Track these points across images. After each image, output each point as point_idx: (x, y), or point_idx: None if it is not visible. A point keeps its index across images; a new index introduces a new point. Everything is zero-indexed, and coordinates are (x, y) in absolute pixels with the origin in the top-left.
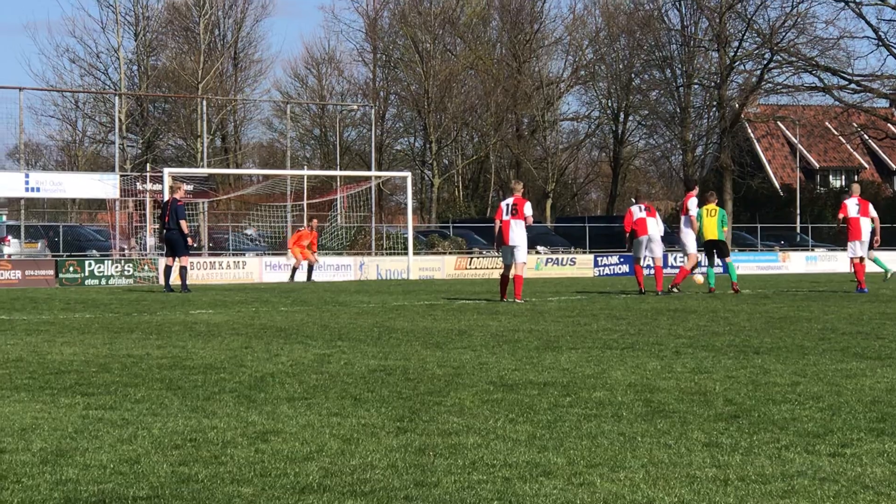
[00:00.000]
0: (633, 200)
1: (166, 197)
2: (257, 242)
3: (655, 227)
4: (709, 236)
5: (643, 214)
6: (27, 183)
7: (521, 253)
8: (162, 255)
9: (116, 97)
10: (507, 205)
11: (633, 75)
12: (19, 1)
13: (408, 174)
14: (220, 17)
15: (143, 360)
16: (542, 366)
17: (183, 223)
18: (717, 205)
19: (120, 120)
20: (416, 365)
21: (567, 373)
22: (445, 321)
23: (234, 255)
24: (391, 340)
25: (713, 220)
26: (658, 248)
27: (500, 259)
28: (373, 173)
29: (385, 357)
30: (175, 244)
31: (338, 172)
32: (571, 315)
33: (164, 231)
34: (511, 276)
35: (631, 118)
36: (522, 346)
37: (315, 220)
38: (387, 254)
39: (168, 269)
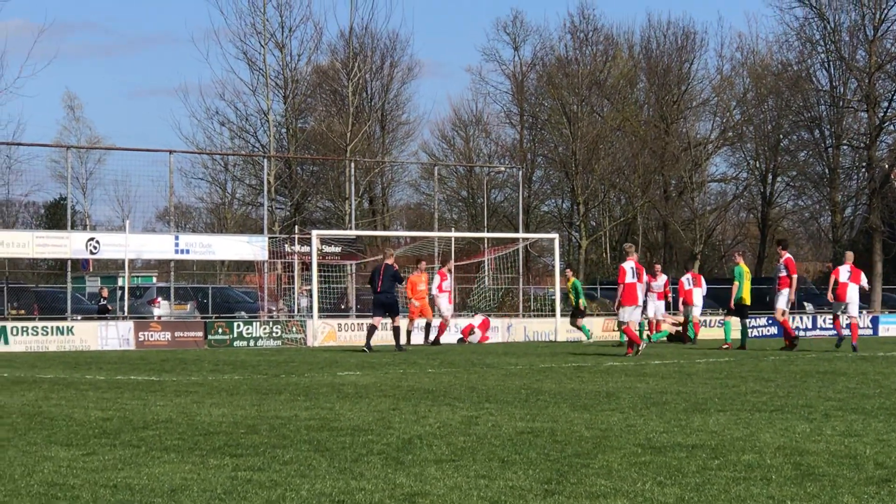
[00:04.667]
0: (780, 248)
1: (314, 259)
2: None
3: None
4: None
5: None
6: (177, 245)
7: (639, 313)
8: (309, 316)
9: (265, 159)
10: (632, 268)
11: (781, 136)
12: (172, 65)
13: (555, 236)
14: (368, 79)
15: (291, 421)
16: (691, 428)
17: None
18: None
19: (269, 182)
20: (564, 427)
21: (715, 435)
22: (593, 383)
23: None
24: (539, 402)
25: (748, 284)
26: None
27: (623, 317)
28: (520, 235)
29: (533, 419)
30: (391, 306)
31: (485, 234)
32: (720, 377)
33: (377, 294)
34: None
35: (779, 179)
36: (670, 408)
37: (423, 262)
38: (534, 315)
39: (372, 329)
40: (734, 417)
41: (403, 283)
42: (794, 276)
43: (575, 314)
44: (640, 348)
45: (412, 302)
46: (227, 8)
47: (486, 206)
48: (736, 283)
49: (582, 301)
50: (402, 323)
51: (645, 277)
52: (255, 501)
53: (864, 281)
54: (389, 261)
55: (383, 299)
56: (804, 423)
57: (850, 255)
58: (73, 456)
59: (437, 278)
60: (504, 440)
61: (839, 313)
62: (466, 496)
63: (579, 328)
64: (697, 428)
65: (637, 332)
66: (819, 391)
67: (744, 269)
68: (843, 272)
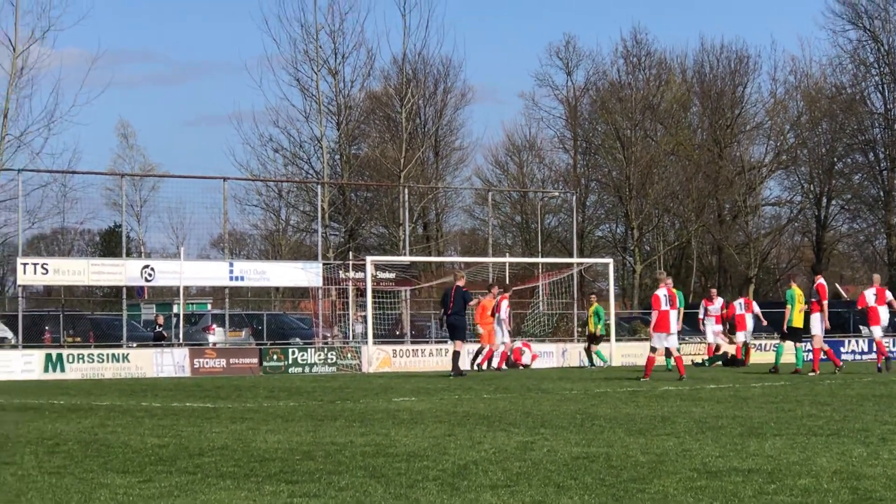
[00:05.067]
0: (814, 273)
1: (368, 285)
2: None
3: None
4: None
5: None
6: (231, 272)
7: (675, 339)
8: (364, 342)
9: (319, 186)
10: (665, 296)
11: (835, 159)
12: (225, 92)
13: (610, 261)
14: (421, 105)
15: (347, 447)
16: (746, 452)
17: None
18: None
19: (323, 208)
20: (619, 452)
21: (771, 460)
22: (648, 408)
23: (436, 342)
24: (594, 427)
25: (800, 307)
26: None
27: (654, 343)
28: (574, 260)
29: (588, 444)
30: (458, 329)
31: (539, 259)
32: (775, 401)
33: (447, 316)
34: (658, 358)
35: (834, 202)
36: (726, 432)
37: (496, 287)
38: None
39: (456, 355)
40: (790, 441)
41: (473, 302)
42: (825, 303)
43: (591, 339)
44: (645, 379)
45: (477, 328)
46: (281, 35)
47: (540, 231)
48: (788, 306)
49: (600, 327)
50: (463, 349)
51: (678, 305)
52: None
53: (889, 297)
54: (460, 282)
55: (453, 321)
56: (861, 447)
57: (877, 277)
58: (129, 483)
59: (504, 304)
60: (559, 465)
61: (880, 338)
62: None
63: (594, 353)
64: (753, 452)
65: (681, 358)
66: (875, 415)
67: (796, 293)
68: (869, 296)
